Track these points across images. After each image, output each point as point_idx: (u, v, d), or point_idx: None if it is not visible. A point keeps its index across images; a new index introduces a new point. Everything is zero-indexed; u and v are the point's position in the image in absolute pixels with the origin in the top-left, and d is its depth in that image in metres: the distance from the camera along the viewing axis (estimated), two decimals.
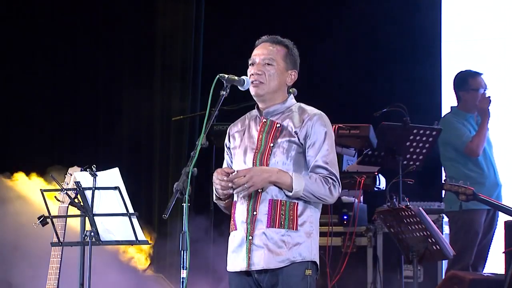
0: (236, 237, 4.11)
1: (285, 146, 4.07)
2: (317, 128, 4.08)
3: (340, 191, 4.08)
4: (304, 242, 4.03)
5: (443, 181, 5.99)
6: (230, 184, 4.00)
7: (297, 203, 4.03)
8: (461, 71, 7.15)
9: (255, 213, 4.04)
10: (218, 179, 4.03)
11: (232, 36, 8.32)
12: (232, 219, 4.13)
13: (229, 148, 4.27)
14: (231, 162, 4.24)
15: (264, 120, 4.15)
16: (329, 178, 4.03)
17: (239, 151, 4.17)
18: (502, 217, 6.83)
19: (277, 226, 4.01)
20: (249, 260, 4.03)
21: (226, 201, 4.16)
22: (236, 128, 4.26)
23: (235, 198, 4.13)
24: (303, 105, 4.20)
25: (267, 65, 4.12)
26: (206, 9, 8.84)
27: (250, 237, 4.03)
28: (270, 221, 4.02)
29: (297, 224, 4.02)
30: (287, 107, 4.16)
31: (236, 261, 4.10)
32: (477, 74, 7.03)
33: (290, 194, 4.00)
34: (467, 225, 6.77)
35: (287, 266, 4.00)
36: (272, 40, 4.19)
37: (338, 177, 4.07)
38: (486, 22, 8.22)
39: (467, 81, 7.01)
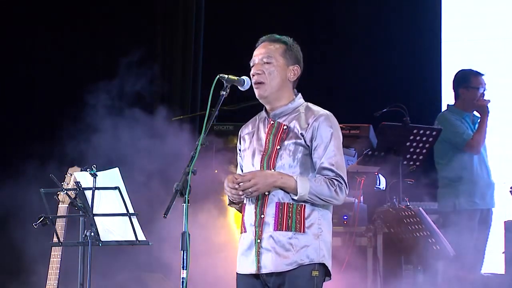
0: (245, 239, 4.10)
1: (292, 148, 4.04)
2: (323, 129, 4.04)
3: (347, 193, 4.04)
4: (312, 244, 3.99)
5: (511, 188, 6.08)
6: (240, 192, 3.98)
7: (304, 205, 4.00)
8: (463, 69, 7.16)
9: (262, 216, 4.02)
10: (228, 187, 4.01)
11: (233, 36, 8.32)
12: (242, 221, 4.13)
13: (240, 150, 4.25)
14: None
15: (271, 122, 4.13)
16: (335, 180, 3.99)
17: (248, 153, 4.15)
18: (502, 217, 6.83)
19: (284, 229, 3.99)
20: (258, 263, 4.02)
21: (240, 204, 4.16)
22: (246, 129, 4.24)
23: (244, 201, 4.12)
24: (310, 105, 4.16)
25: (266, 63, 4.10)
26: (206, 8, 8.84)
27: (259, 240, 4.02)
28: (277, 224, 4.00)
29: (304, 227, 3.99)
30: (294, 107, 4.13)
31: (245, 264, 4.09)
32: (479, 74, 7.04)
33: (296, 197, 3.97)
34: (461, 225, 6.76)
35: (295, 269, 3.98)
36: (270, 39, 4.17)
37: (345, 179, 4.03)
38: (486, 22, 8.23)
39: (469, 79, 7.02)
